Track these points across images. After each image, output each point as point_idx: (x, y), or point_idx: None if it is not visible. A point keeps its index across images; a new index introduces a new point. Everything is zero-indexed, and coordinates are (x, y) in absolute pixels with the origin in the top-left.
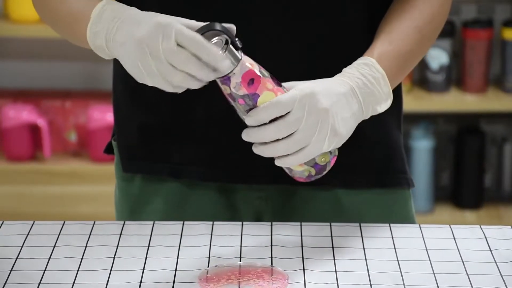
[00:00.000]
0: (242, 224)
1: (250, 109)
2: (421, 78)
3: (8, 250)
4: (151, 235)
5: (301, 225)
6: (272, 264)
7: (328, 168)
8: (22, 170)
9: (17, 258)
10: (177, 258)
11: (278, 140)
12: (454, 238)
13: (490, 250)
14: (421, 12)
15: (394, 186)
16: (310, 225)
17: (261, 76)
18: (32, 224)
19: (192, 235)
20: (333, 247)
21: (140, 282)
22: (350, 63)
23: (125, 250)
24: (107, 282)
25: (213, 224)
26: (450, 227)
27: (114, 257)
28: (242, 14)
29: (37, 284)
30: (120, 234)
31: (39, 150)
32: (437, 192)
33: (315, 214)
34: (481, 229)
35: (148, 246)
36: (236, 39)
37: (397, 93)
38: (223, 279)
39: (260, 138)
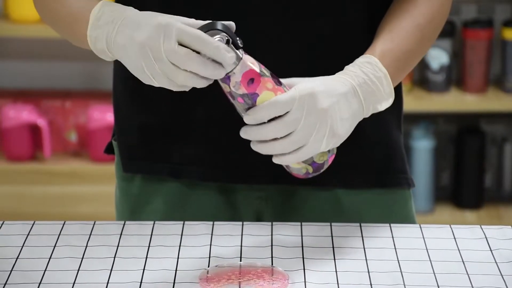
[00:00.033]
0: (243, 224)
1: (249, 108)
2: (421, 78)
3: (8, 250)
4: (151, 235)
5: (301, 225)
6: (272, 264)
7: (325, 166)
8: (22, 170)
9: (17, 258)
10: (178, 258)
11: (276, 138)
12: (455, 238)
13: (491, 250)
14: (422, 11)
15: (394, 186)
16: (311, 225)
17: (261, 75)
18: (33, 224)
19: (193, 235)
20: (333, 247)
21: (141, 282)
22: (350, 63)
23: (126, 250)
24: (108, 282)
25: (213, 224)
26: (451, 227)
27: (114, 257)
28: (242, 14)
29: (38, 284)
30: (121, 234)
31: (39, 150)
32: (437, 192)
33: (315, 214)
34: (482, 229)
35: (149, 246)
36: (237, 38)
37: (397, 93)
38: (224, 279)
39: (258, 136)
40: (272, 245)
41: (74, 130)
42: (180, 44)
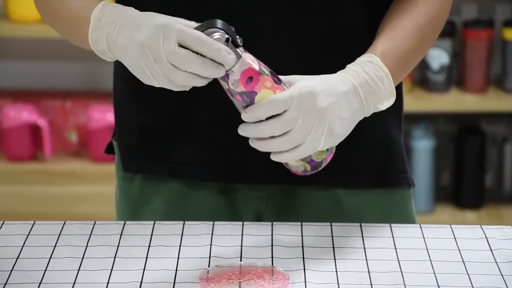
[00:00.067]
0: (243, 224)
1: (248, 106)
2: (422, 78)
3: (8, 250)
4: (151, 235)
5: (301, 225)
6: (272, 264)
7: (324, 165)
8: (22, 170)
9: (17, 258)
10: (178, 258)
11: (274, 136)
12: (455, 238)
13: (491, 250)
14: (422, 11)
15: (395, 186)
16: (311, 225)
17: (260, 74)
18: (33, 224)
19: (193, 235)
20: (333, 247)
21: (141, 282)
22: (350, 63)
23: (126, 250)
24: (108, 282)
25: (213, 224)
26: (451, 227)
27: (114, 257)
28: (242, 14)
29: (38, 284)
30: (121, 234)
31: (39, 150)
32: (437, 192)
33: (315, 214)
34: (482, 229)
35: (149, 246)
36: (237, 36)
37: (398, 93)
38: (224, 279)
39: (255, 134)
40: (272, 245)
41: (74, 130)
42: (180, 45)
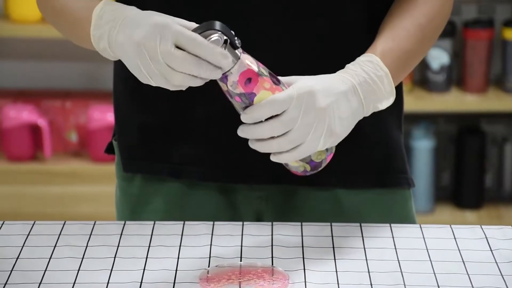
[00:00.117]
0: (243, 224)
1: (247, 107)
2: (422, 78)
3: (8, 250)
4: (151, 235)
5: (301, 225)
6: (272, 264)
7: (323, 165)
8: (22, 170)
9: (17, 258)
10: (178, 258)
11: (273, 137)
12: (455, 238)
13: (491, 250)
14: (423, 11)
15: (394, 186)
16: (311, 225)
17: (259, 75)
18: (33, 224)
19: (193, 235)
20: (333, 247)
21: (141, 282)
22: (350, 63)
23: (126, 250)
24: (108, 282)
25: (213, 224)
26: (451, 227)
27: (114, 257)
28: (242, 14)
29: (38, 284)
30: (121, 234)
31: (39, 150)
32: (437, 192)
33: (315, 214)
34: (482, 229)
35: (149, 246)
36: (235, 37)
37: (398, 93)
38: (224, 279)
39: (255, 135)
40: (272, 245)
41: (74, 130)
42: (177, 46)
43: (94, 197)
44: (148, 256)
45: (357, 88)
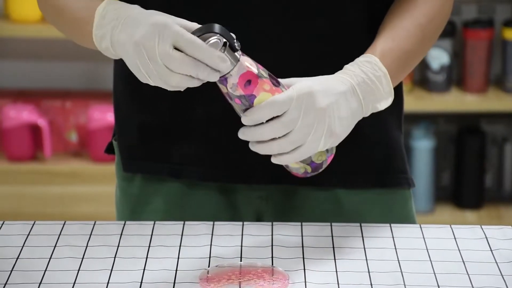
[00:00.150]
0: (243, 224)
1: (247, 109)
2: (422, 78)
3: (8, 250)
4: (151, 235)
5: (301, 225)
6: (272, 264)
7: (324, 166)
8: (22, 170)
9: (17, 258)
10: (178, 258)
11: (274, 138)
12: (455, 238)
13: (491, 250)
14: (423, 11)
15: (395, 186)
16: (311, 225)
17: (259, 77)
18: (33, 224)
19: (193, 235)
20: (333, 247)
21: (141, 282)
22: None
23: (126, 250)
24: (108, 282)
25: (213, 224)
26: (451, 227)
27: (114, 257)
28: (242, 14)
29: (38, 284)
30: (121, 234)
31: (39, 150)
32: (437, 192)
33: (315, 214)
34: (482, 229)
35: (149, 246)
36: (235, 40)
37: (398, 93)
38: (224, 279)
39: (256, 137)
40: (272, 245)
41: (74, 130)
42: (176, 48)
43: (94, 197)
44: (148, 256)
45: (356, 88)
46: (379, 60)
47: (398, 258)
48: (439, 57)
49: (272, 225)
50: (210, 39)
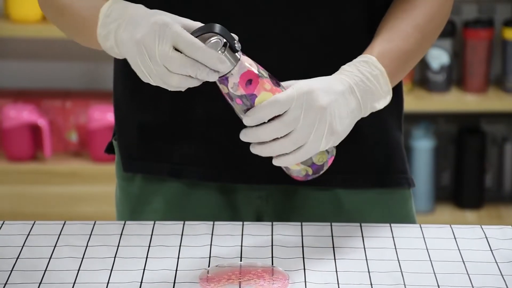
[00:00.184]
0: (243, 224)
1: (248, 109)
2: (422, 78)
3: (8, 250)
4: (151, 235)
5: (301, 225)
6: (272, 264)
7: (325, 168)
8: (22, 170)
9: (17, 258)
10: (178, 258)
11: (275, 139)
12: (455, 238)
13: (491, 250)
14: (421, 12)
15: (395, 186)
16: (311, 225)
17: (260, 76)
18: (33, 224)
19: (193, 235)
20: (333, 247)
21: (141, 282)
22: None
23: (126, 250)
24: (108, 282)
25: (213, 224)
26: (451, 227)
27: (114, 257)
28: (242, 14)
29: (38, 284)
30: (121, 234)
31: (39, 150)
32: (437, 192)
33: (315, 213)
34: (482, 229)
35: (149, 246)
36: (235, 40)
37: (398, 92)
38: (224, 279)
39: (258, 138)
40: (272, 245)
41: (74, 130)
42: (176, 48)
43: (94, 197)
44: (148, 256)
45: (354, 88)
46: (376, 60)
47: (398, 258)
48: (439, 57)
49: (272, 225)
50: (210, 39)
